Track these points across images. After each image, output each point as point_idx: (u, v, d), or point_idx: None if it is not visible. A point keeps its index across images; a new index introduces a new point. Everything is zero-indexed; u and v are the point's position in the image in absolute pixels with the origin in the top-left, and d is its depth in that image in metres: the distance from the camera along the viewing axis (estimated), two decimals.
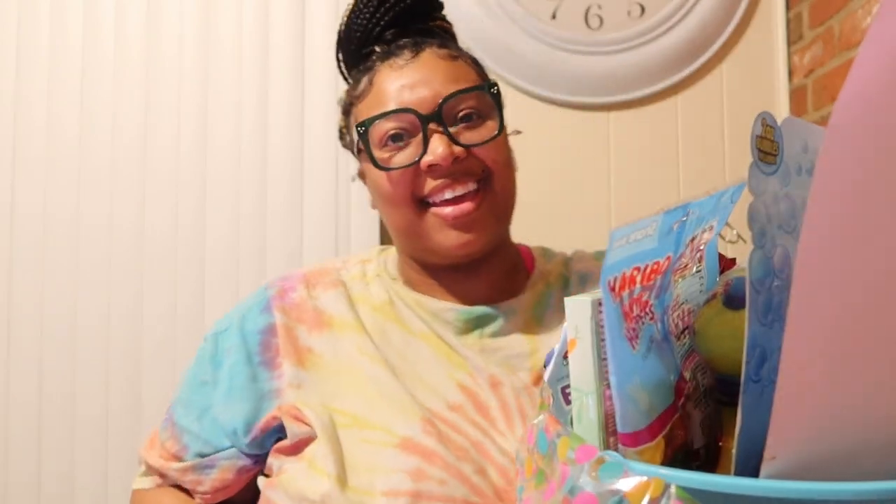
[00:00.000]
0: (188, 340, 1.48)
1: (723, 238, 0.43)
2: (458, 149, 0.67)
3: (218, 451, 0.71)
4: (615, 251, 0.30)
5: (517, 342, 0.71)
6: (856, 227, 0.25)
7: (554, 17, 1.59)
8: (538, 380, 0.69)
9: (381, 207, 0.73)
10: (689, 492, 0.26)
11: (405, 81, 0.69)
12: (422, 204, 0.69)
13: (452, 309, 0.72)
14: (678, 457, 0.35)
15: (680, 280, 0.38)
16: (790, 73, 1.63)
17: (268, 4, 1.54)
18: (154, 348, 1.49)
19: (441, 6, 0.79)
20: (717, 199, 0.36)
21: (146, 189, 1.52)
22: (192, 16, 1.54)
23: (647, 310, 0.33)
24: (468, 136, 0.68)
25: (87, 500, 1.48)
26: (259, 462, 0.72)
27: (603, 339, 0.33)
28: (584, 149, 1.61)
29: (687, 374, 0.37)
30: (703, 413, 0.38)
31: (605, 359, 0.33)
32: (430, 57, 0.71)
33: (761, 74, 1.64)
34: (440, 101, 0.67)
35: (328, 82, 1.50)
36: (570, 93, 1.59)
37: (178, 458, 0.73)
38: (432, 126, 0.67)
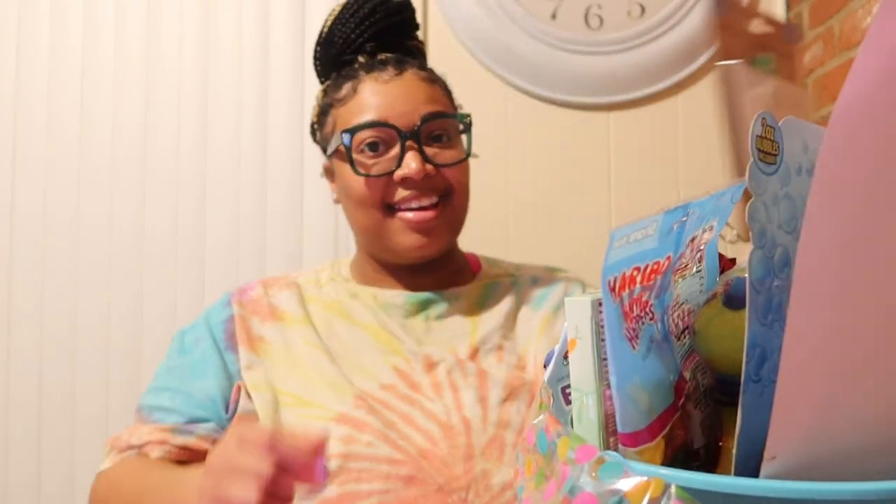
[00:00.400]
0: None
1: (723, 238, 0.43)
2: (429, 166, 0.76)
3: (194, 422, 0.75)
4: (615, 251, 0.30)
5: (459, 323, 0.80)
6: (856, 226, 0.25)
7: (554, 17, 1.59)
8: (474, 354, 0.78)
9: (347, 206, 0.81)
10: (689, 492, 0.26)
11: (388, 97, 0.77)
12: (388, 208, 0.77)
13: (401, 294, 0.81)
14: (678, 457, 0.35)
15: (680, 280, 0.38)
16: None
17: (268, 4, 1.54)
18: (154, 348, 1.49)
19: (417, 27, 0.87)
20: (717, 199, 0.36)
21: (146, 189, 1.52)
22: (192, 16, 1.54)
23: (647, 310, 0.33)
24: (438, 156, 0.77)
25: (87, 501, 1.47)
26: None
27: (603, 339, 0.33)
28: (584, 149, 1.61)
29: (687, 374, 0.37)
30: (703, 413, 0.38)
31: (605, 359, 0.33)
32: (412, 77, 0.79)
33: None
34: (419, 121, 0.76)
35: None
36: (570, 93, 1.59)
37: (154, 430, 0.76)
38: (409, 143, 0.75)
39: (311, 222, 1.48)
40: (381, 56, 0.81)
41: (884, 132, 0.25)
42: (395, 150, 0.76)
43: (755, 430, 0.30)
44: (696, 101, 1.64)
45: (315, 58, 0.86)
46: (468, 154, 0.80)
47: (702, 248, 0.39)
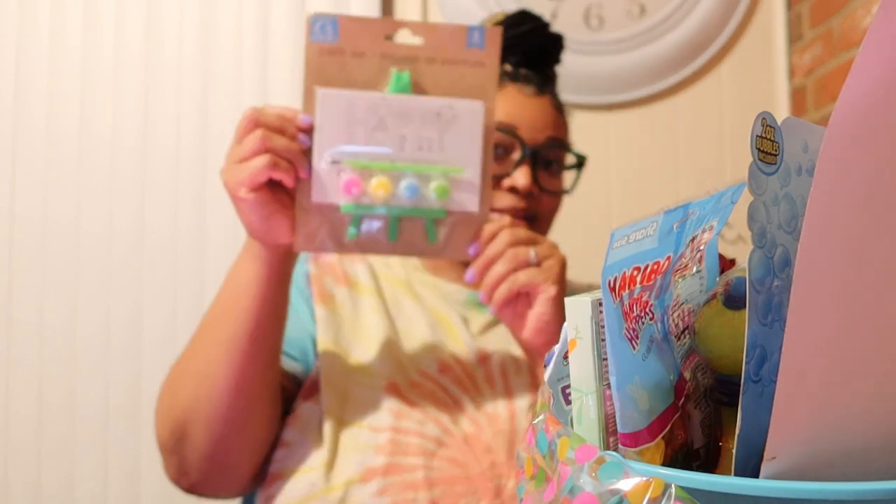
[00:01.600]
0: (188, 341, 1.48)
1: (723, 238, 0.43)
2: (535, 186, 0.81)
3: (287, 357, 0.78)
4: (615, 251, 0.30)
5: None
6: (856, 226, 0.25)
7: (554, 17, 1.59)
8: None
9: None
10: (689, 492, 0.26)
11: (525, 110, 0.82)
12: None
13: (462, 291, 0.85)
14: (678, 457, 0.35)
15: (680, 280, 0.38)
16: (790, 73, 1.63)
17: (268, 4, 1.54)
18: (154, 349, 1.49)
19: (560, 60, 0.93)
20: (717, 199, 0.36)
21: (146, 189, 1.52)
22: (192, 16, 1.54)
23: (647, 310, 0.33)
24: (546, 182, 0.83)
25: (87, 501, 1.48)
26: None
27: (603, 339, 0.33)
28: (584, 149, 1.61)
29: (687, 374, 0.37)
30: (703, 413, 0.38)
31: (605, 359, 0.33)
32: (549, 102, 0.86)
33: (761, 74, 1.64)
34: (543, 141, 0.82)
35: None
36: (570, 93, 1.59)
37: None
38: (527, 159, 0.80)
39: None
40: (524, 71, 0.86)
41: (884, 132, 0.25)
42: (513, 158, 0.81)
43: (755, 430, 0.30)
44: (696, 101, 1.64)
45: None
46: (570, 190, 0.86)
47: (702, 248, 0.39)
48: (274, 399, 0.74)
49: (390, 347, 0.77)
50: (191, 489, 0.74)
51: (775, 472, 0.27)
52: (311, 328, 0.79)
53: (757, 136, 0.31)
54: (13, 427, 1.49)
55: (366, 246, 0.65)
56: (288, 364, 0.78)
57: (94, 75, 1.53)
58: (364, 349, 0.77)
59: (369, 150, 0.62)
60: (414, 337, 0.79)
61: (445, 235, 0.67)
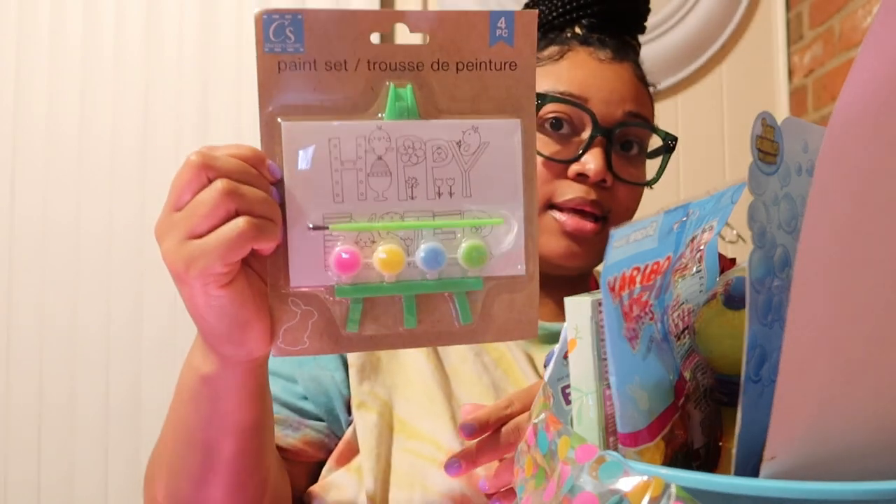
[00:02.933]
0: (188, 341, 1.48)
1: (723, 238, 0.43)
2: (609, 174, 0.64)
3: (298, 415, 0.62)
4: (615, 251, 0.30)
5: None
6: (856, 226, 0.25)
7: None
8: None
9: None
10: (689, 491, 0.26)
11: (598, 77, 0.65)
12: (544, 203, 0.64)
13: None
14: (678, 457, 0.35)
15: (680, 280, 0.38)
16: (790, 73, 1.63)
17: (268, 4, 1.54)
18: (154, 349, 1.49)
19: (645, 28, 0.76)
20: (717, 199, 0.36)
21: (146, 189, 1.52)
22: (191, 16, 1.54)
23: (647, 310, 0.33)
24: (623, 170, 0.65)
25: (87, 501, 1.48)
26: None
27: (603, 339, 0.33)
28: None
29: (687, 374, 0.37)
30: (703, 413, 0.38)
31: (605, 359, 0.33)
32: (630, 69, 0.69)
33: (761, 74, 1.64)
34: (621, 116, 0.65)
35: None
36: None
37: None
38: (599, 138, 0.63)
39: None
40: (600, 36, 0.69)
41: (884, 132, 0.25)
42: (582, 138, 0.64)
43: (755, 430, 0.30)
44: (696, 101, 1.64)
45: (526, 7, 0.73)
46: (657, 179, 0.68)
47: (702, 248, 0.39)
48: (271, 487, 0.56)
49: (440, 399, 0.60)
50: None
51: (775, 472, 0.27)
52: (335, 373, 0.62)
53: (757, 136, 0.31)
54: (13, 427, 1.49)
55: (374, 340, 0.45)
56: (313, 428, 0.62)
57: (94, 75, 1.53)
58: (408, 402, 0.60)
59: (367, 205, 0.43)
60: (467, 385, 0.62)
61: (484, 312, 0.46)
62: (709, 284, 0.40)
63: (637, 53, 0.74)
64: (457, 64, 0.44)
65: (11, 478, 1.48)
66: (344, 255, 0.43)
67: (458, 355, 0.64)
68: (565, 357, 0.37)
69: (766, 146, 0.31)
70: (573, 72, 0.65)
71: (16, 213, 1.51)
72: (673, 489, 0.26)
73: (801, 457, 0.27)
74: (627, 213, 0.67)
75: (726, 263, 0.43)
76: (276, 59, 0.41)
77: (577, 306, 0.34)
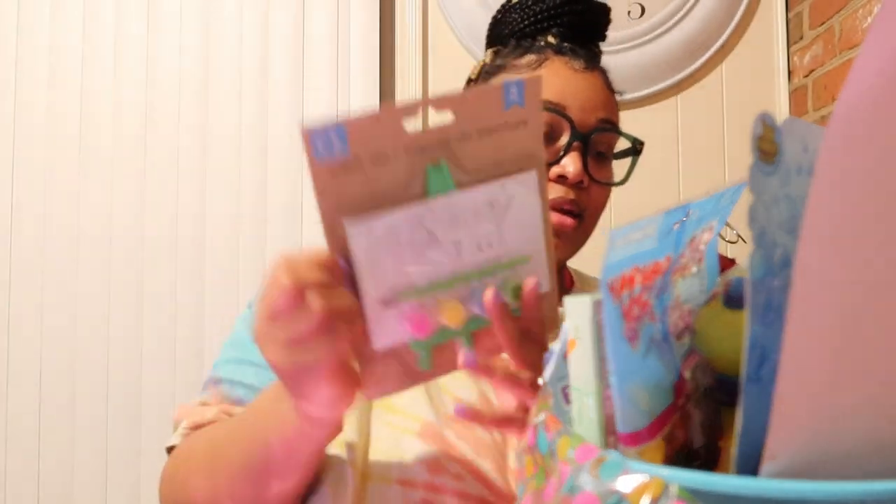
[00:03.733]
0: (188, 341, 1.48)
1: (723, 238, 0.43)
2: (585, 175, 0.70)
3: None
4: (615, 251, 0.30)
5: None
6: (856, 226, 0.25)
7: None
8: None
9: None
10: (689, 491, 0.26)
11: (574, 86, 0.71)
12: None
13: None
14: (678, 457, 0.35)
15: (680, 280, 0.38)
16: (790, 73, 1.63)
17: (268, 3, 1.54)
18: (154, 348, 1.49)
19: (605, 37, 0.82)
20: (718, 200, 0.36)
21: (146, 189, 1.52)
22: (192, 16, 1.54)
23: (647, 310, 0.33)
24: (596, 171, 0.71)
25: (87, 500, 1.48)
26: None
27: (603, 339, 0.33)
28: None
29: (687, 374, 0.37)
30: (703, 413, 0.38)
31: (605, 359, 0.33)
32: (601, 79, 0.74)
33: (761, 74, 1.64)
34: (595, 123, 0.71)
35: (328, 81, 1.50)
36: None
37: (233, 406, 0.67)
38: (576, 143, 0.69)
39: (310, 222, 1.49)
40: (571, 46, 0.75)
41: (884, 131, 0.25)
42: (560, 144, 0.70)
43: (755, 430, 0.30)
44: (696, 101, 1.64)
45: (495, 21, 0.80)
46: (626, 179, 0.75)
47: (702, 248, 0.39)
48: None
49: None
50: None
51: (775, 472, 0.27)
52: None
53: (757, 136, 0.31)
54: (13, 427, 1.49)
55: (443, 367, 0.53)
56: None
57: (94, 76, 1.53)
58: None
59: (426, 275, 0.50)
60: None
61: None
62: (709, 284, 0.40)
63: (599, 63, 0.80)
64: (478, 131, 0.49)
65: (11, 477, 1.48)
66: (414, 318, 0.50)
67: None
68: (565, 357, 0.37)
69: (766, 146, 0.31)
70: (551, 80, 0.70)
71: (15, 211, 1.52)
72: (673, 489, 0.26)
73: (801, 457, 0.27)
74: (599, 210, 0.74)
75: (726, 263, 0.43)
76: (327, 166, 0.46)
77: (577, 306, 0.34)
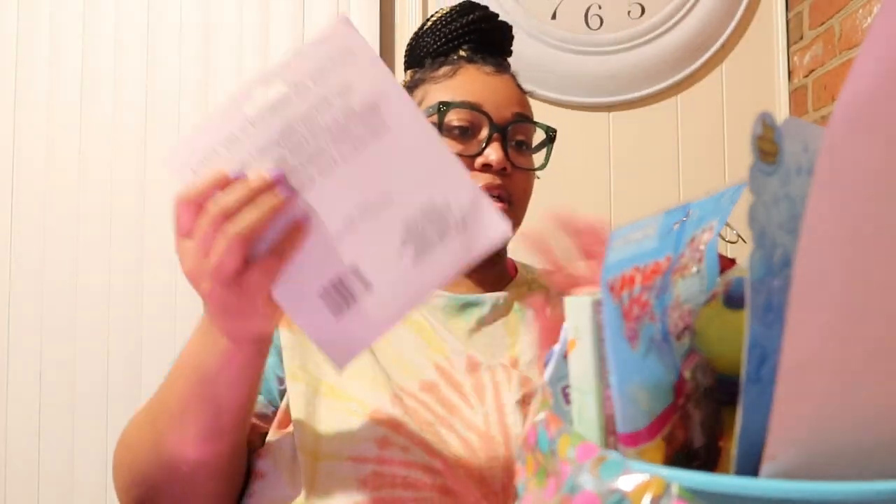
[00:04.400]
0: (187, 329, 1.48)
1: (723, 238, 0.43)
2: (507, 163, 0.76)
3: None
4: (615, 251, 0.30)
5: (499, 331, 0.78)
6: (856, 226, 0.25)
7: (554, 17, 1.59)
8: (515, 362, 0.76)
9: None
10: (689, 491, 0.26)
11: (487, 87, 0.79)
12: None
13: (443, 295, 0.79)
14: (678, 457, 0.35)
15: (680, 280, 0.38)
16: (790, 73, 1.63)
17: (268, 4, 1.54)
18: (154, 348, 1.49)
19: (511, 52, 0.90)
20: (718, 200, 0.36)
21: (146, 189, 1.52)
22: (192, 16, 1.54)
23: (647, 310, 0.33)
24: (517, 158, 0.78)
25: (87, 500, 1.48)
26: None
27: (603, 339, 0.33)
28: (584, 149, 1.61)
29: (687, 374, 0.37)
30: (703, 413, 0.38)
31: (605, 359, 0.33)
32: (510, 80, 0.82)
33: (761, 74, 1.64)
34: (511, 117, 0.78)
35: None
36: (570, 93, 1.59)
37: None
38: (496, 135, 0.76)
39: None
40: (481, 55, 0.83)
41: (884, 131, 0.25)
42: (481, 137, 0.77)
43: (755, 430, 0.30)
44: (696, 101, 1.64)
45: (410, 47, 0.88)
46: (545, 165, 0.82)
47: (702, 248, 0.39)
48: (240, 460, 0.68)
49: (365, 367, 0.71)
50: None
51: (775, 472, 0.27)
52: (270, 358, 0.71)
53: (757, 136, 0.31)
54: (13, 427, 1.49)
55: None
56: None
57: (94, 76, 1.53)
58: (335, 372, 0.70)
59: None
60: (391, 354, 0.73)
61: None
62: (709, 284, 0.40)
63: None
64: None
65: (11, 477, 1.48)
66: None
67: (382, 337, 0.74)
68: (565, 357, 0.37)
69: (766, 146, 0.32)
70: (466, 84, 0.79)
71: (15, 211, 1.52)
72: (673, 488, 0.26)
73: (801, 457, 0.27)
74: (525, 196, 0.81)
75: (726, 263, 0.43)
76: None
77: (577, 306, 0.34)
